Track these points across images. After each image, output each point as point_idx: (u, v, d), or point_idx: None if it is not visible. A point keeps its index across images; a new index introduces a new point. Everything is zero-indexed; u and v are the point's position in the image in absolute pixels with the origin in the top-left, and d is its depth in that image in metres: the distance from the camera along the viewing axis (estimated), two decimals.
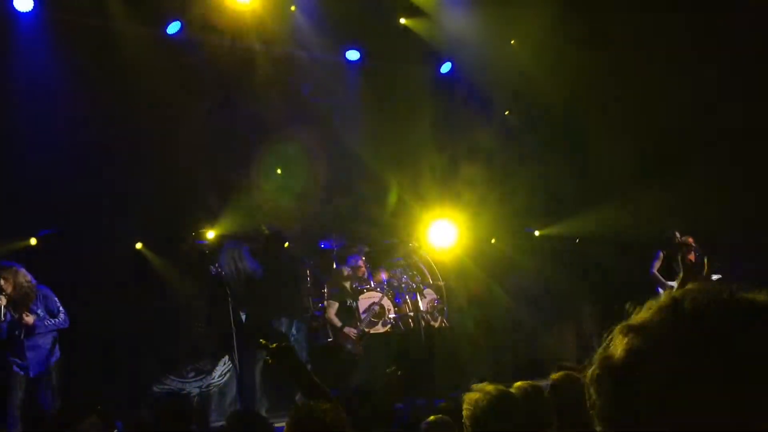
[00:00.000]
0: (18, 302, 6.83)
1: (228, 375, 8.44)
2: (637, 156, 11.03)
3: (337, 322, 8.50)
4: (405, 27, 11.48)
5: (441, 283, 9.95)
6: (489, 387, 3.60)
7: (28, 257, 7.45)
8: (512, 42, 12.02)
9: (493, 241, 11.18)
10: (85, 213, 8.54)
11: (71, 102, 8.58)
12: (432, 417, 4.30)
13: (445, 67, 12.33)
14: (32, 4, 8.49)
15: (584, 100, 11.11)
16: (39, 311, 6.97)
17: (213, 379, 8.49)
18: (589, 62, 10.62)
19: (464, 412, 3.27)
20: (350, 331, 8.43)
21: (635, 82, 10.72)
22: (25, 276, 6.95)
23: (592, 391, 1.07)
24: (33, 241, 8.03)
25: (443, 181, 12.07)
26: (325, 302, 8.97)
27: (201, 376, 8.36)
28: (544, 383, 4.14)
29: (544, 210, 11.92)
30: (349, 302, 8.66)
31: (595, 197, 11.24)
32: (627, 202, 10.72)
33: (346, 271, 8.91)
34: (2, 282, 6.78)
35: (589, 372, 1.11)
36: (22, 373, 6.84)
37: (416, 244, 9.86)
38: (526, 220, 11.79)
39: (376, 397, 4.88)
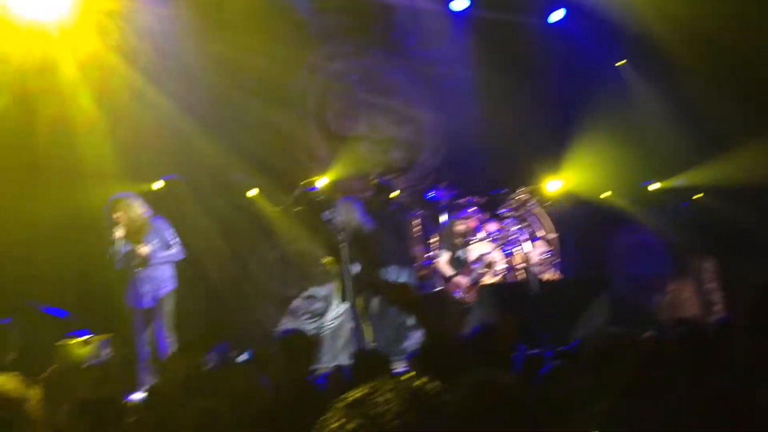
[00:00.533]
0: (133, 234, 6.88)
1: (339, 319, 8.58)
2: (755, 106, 10.36)
3: (448, 271, 8.48)
4: None
5: (553, 235, 9.74)
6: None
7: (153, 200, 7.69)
8: None
9: (608, 194, 10.81)
10: (204, 162, 8.83)
11: None
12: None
13: (557, 15, 11.89)
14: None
15: (702, 50, 10.49)
16: (154, 242, 7.04)
17: (325, 321, 8.67)
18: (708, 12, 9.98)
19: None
20: (461, 280, 8.39)
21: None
22: (139, 208, 7.02)
23: None
24: (158, 184, 8.29)
25: (555, 134, 11.79)
26: (435, 252, 8.97)
27: (314, 319, 8.56)
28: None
29: (661, 163, 11.42)
30: (458, 254, 8.62)
31: (713, 149, 10.68)
32: (745, 154, 10.12)
33: (457, 223, 8.86)
34: (118, 214, 6.84)
35: None
36: (139, 305, 6.92)
37: (528, 195, 9.65)
38: (643, 174, 11.34)
39: (491, 344, 4.80)
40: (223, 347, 3.05)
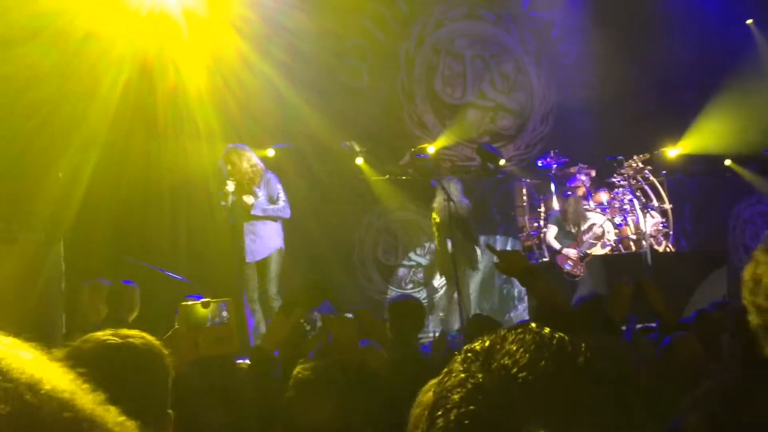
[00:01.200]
0: (244, 185, 6.81)
1: (443, 289, 8.60)
2: None
3: (556, 245, 8.30)
4: None
5: (667, 206, 9.35)
6: None
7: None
8: None
9: (728, 162, 10.25)
10: (312, 131, 8.96)
11: None
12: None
13: None
14: None
15: None
16: (260, 194, 6.92)
17: (429, 290, 8.70)
18: None
19: None
20: (569, 252, 8.20)
21: None
22: (250, 159, 6.91)
23: None
24: (270, 152, 8.43)
25: (673, 98, 11.26)
26: (542, 223, 8.78)
27: (418, 288, 8.60)
28: None
29: None
30: (568, 228, 8.40)
31: None
32: None
33: (572, 200, 8.62)
34: (229, 167, 6.78)
35: None
36: (248, 260, 6.90)
37: (642, 164, 9.28)
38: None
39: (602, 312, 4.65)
40: (327, 307, 3.09)
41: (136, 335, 1.84)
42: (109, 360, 1.73)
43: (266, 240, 6.97)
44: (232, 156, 6.84)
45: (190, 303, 3.05)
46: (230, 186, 6.72)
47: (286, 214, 7.02)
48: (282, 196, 7.00)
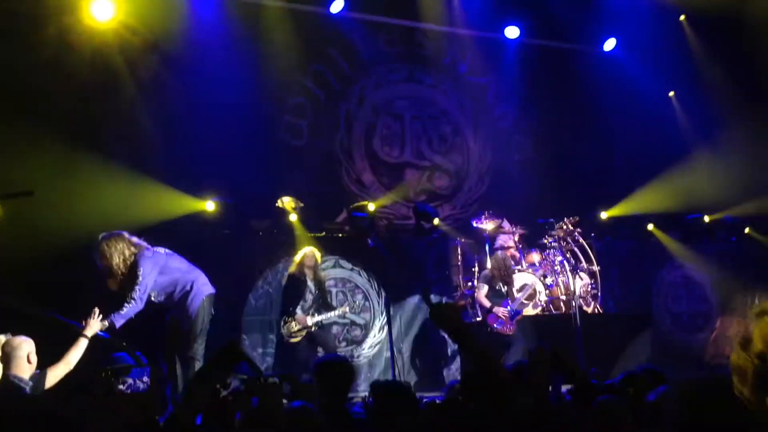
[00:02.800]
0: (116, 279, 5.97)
1: (378, 347, 8.62)
2: None
3: (487, 303, 8.44)
4: (571, 1, 11.18)
5: (596, 268, 9.64)
6: None
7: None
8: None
9: (650, 227, 10.66)
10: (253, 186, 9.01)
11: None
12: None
13: (609, 44, 11.86)
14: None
15: None
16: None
17: (363, 349, 8.70)
18: None
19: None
20: (499, 311, 8.35)
21: None
22: (123, 251, 5.95)
23: None
24: (209, 205, 8.38)
25: (603, 164, 11.74)
26: (475, 282, 8.92)
27: (352, 346, 8.60)
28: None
29: (709, 196, 11.25)
30: (498, 286, 8.57)
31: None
32: None
33: (499, 255, 8.79)
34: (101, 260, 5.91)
35: None
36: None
37: (572, 227, 9.58)
38: (690, 207, 11.17)
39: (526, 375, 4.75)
40: (245, 370, 3.05)
41: None
42: None
43: (184, 309, 6.10)
44: (102, 247, 5.96)
45: (108, 368, 3.03)
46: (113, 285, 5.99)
47: (135, 310, 5.87)
48: (136, 290, 5.87)
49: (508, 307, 8.39)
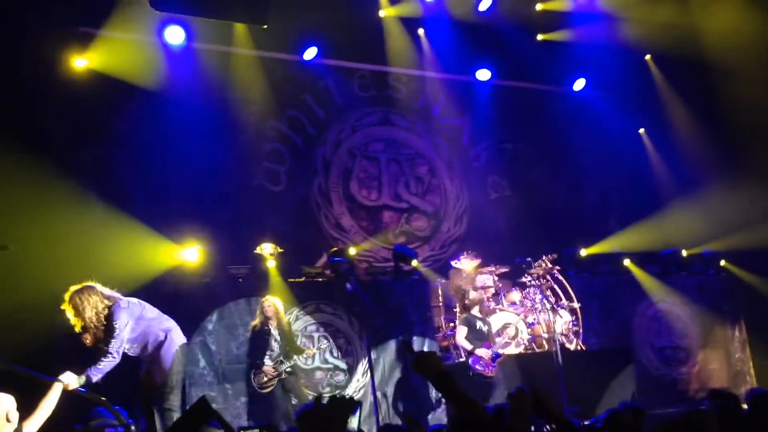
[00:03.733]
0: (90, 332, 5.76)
1: (362, 391, 8.52)
2: None
3: (468, 345, 8.40)
4: (540, 44, 11.44)
5: (576, 304, 9.67)
6: None
7: None
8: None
9: (627, 262, 10.74)
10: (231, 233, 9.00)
11: None
12: None
13: (579, 84, 12.11)
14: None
15: None
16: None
17: (347, 394, 8.59)
18: None
19: None
20: (482, 352, 8.32)
21: None
22: (97, 305, 5.77)
23: None
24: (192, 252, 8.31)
25: (578, 202, 11.88)
26: (455, 324, 8.88)
27: (336, 392, 8.50)
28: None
29: (686, 231, 11.41)
30: (479, 326, 8.55)
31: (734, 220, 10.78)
32: None
33: (476, 295, 8.78)
34: (72, 313, 5.72)
35: None
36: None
37: (551, 265, 9.62)
38: (668, 242, 11.30)
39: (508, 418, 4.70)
40: (215, 427, 2.97)
41: None
42: None
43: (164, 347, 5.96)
44: (74, 302, 5.74)
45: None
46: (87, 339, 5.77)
47: (111, 365, 5.66)
48: (112, 344, 5.67)
49: (490, 350, 8.36)
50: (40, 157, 7.78)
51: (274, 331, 7.93)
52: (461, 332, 8.43)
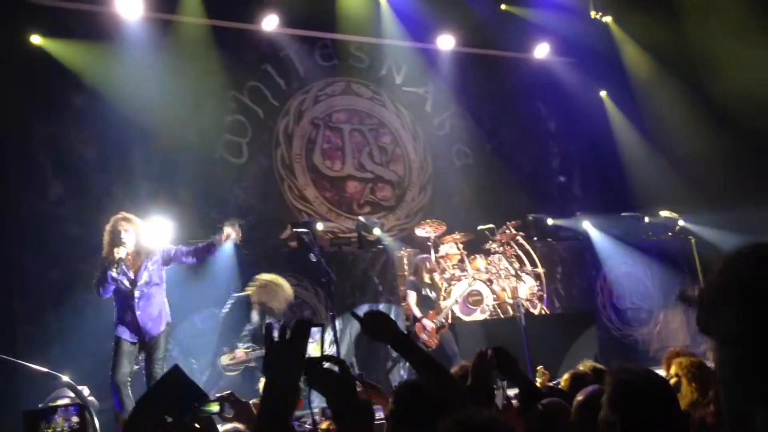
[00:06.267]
0: (136, 258, 6.36)
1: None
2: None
3: (417, 313, 8.47)
4: (503, 12, 11.42)
5: (540, 270, 9.79)
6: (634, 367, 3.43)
7: None
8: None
9: (587, 225, 10.87)
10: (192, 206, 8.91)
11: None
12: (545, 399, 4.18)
13: (541, 51, 12.12)
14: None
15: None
16: (151, 268, 6.42)
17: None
18: None
19: (607, 393, 3.10)
20: (426, 323, 8.42)
21: None
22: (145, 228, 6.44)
23: None
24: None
25: (542, 167, 11.96)
26: (406, 291, 8.91)
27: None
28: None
29: (645, 195, 11.57)
30: (425, 292, 8.61)
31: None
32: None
33: (427, 262, 8.82)
34: (125, 234, 6.25)
35: None
36: (129, 338, 6.32)
37: (515, 231, 9.71)
38: (629, 206, 11.45)
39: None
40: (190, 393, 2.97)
41: None
42: None
43: (157, 317, 6.45)
44: (133, 222, 6.36)
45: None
46: (122, 252, 6.25)
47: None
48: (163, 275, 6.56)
49: (434, 320, 8.45)
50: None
51: (253, 313, 7.71)
52: (411, 297, 8.53)
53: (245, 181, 10.02)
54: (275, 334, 2.30)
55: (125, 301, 6.38)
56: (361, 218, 9.87)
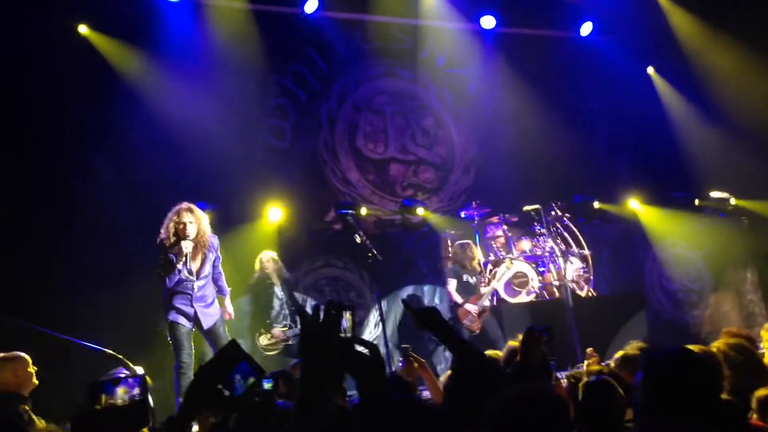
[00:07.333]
0: (196, 249, 6.52)
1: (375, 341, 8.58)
2: None
3: (458, 299, 8.42)
4: None
5: (586, 251, 9.64)
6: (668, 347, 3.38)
7: None
8: None
9: (636, 206, 10.66)
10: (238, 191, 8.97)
11: None
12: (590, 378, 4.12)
13: (586, 28, 11.86)
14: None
15: None
16: (210, 258, 6.64)
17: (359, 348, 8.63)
18: None
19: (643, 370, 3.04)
20: (469, 307, 8.35)
21: None
22: (207, 221, 6.63)
23: None
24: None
25: (588, 148, 11.75)
26: (445, 277, 8.86)
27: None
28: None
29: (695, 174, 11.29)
30: (465, 278, 8.54)
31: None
32: None
33: (467, 247, 8.75)
34: (187, 225, 6.42)
35: None
36: (188, 326, 6.50)
37: (561, 212, 9.57)
38: (678, 186, 11.19)
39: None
40: (245, 370, 3.00)
41: None
42: None
43: (212, 305, 6.68)
44: (195, 214, 6.54)
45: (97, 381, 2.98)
46: (188, 246, 6.45)
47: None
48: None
49: (476, 305, 8.39)
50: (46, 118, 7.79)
51: (277, 289, 7.85)
52: (451, 285, 8.47)
53: (289, 165, 10.04)
54: (307, 316, 2.33)
55: (184, 290, 6.50)
56: (404, 201, 9.82)
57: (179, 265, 6.44)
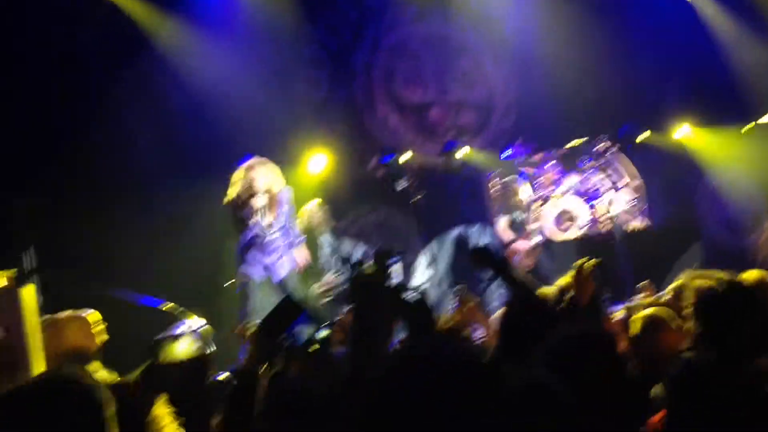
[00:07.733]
0: (269, 202, 6.76)
1: (425, 286, 8.57)
2: None
3: (507, 237, 8.32)
4: None
5: (639, 181, 9.42)
6: (719, 274, 3.33)
7: None
8: None
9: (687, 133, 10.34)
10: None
11: None
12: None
13: None
14: None
15: None
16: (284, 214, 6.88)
17: (409, 288, 8.66)
18: None
19: (688, 301, 3.03)
20: (518, 245, 8.26)
21: None
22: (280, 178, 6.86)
23: None
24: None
25: (631, 77, 11.39)
26: (494, 215, 8.78)
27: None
28: None
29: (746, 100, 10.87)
30: (514, 217, 8.45)
31: None
32: None
33: (513, 186, 8.65)
34: (260, 182, 6.66)
35: None
36: (259, 278, 6.72)
37: (608, 144, 9.36)
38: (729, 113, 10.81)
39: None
40: (305, 320, 3.05)
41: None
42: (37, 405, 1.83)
43: (287, 256, 6.94)
44: (264, 168, 6.77)
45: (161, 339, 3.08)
46: (263, 200, 6.61)
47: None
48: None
49: (526, 241, 8.31)
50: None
51: (325, 237, 7.86)
52: (500, 223, 8.39)
53: (327, 114, 9.99)
54: (357, 264, 2.36)
55: (258, 243, 6.61)
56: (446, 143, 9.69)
57: (253, 221, 6.52)
